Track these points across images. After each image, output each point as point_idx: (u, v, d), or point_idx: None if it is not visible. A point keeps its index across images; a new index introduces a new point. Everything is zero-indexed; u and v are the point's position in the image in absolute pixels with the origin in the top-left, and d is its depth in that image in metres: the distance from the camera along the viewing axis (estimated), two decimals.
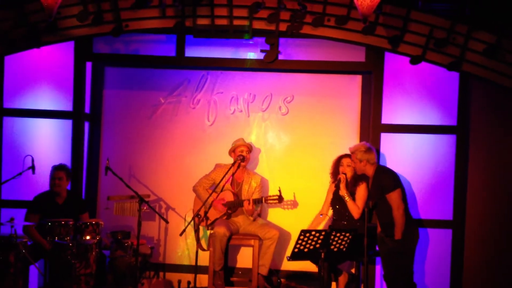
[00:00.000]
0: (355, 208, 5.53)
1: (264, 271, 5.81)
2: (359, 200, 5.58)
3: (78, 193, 6.10)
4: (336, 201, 5.71)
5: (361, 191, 5.60)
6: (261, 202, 5.84)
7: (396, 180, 5.23)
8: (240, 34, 5.77)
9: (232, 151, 6.05)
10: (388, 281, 5.27)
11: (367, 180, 5.55)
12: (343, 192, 5.57)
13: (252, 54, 6.16)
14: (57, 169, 5.77)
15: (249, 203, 5.80)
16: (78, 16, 5.68)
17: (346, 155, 5.73)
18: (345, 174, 5.63)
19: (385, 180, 5.21)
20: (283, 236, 6.18)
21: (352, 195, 5.59)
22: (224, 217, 5.98)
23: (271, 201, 5.82)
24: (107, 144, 6.54)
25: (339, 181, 5.62)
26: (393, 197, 5.13)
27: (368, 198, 5.50)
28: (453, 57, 5.56)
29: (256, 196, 5.95)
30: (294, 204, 6.18)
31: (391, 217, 5.15)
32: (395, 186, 5.17)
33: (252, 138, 6.39)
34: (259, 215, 6.08)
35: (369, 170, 5.34)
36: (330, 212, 5.85)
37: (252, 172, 6.15)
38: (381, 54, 5.97)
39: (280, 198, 5.78)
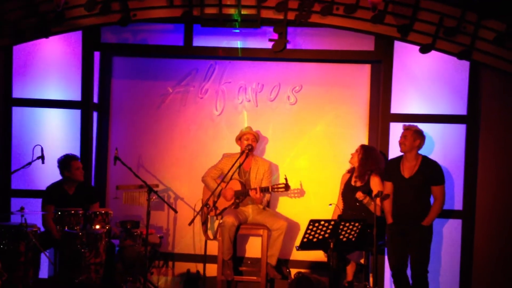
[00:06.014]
0: (378, 207, 5.34)
1: (273, 261, 5.81)
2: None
3: (88, 183, 6.11)
4: (348, 192, 5.66)
5: (377, 182, 5.53)
6: (267, 191, 5.83)
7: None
8: (248, 23, 5.74)
9: (238, 139, 6.05)
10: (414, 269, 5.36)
11: (376, 172, 5.54)
12: (361, 196, 5.47)
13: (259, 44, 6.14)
14: (76, 158, 5.77)
15: (256, 192, 5.80)
16: (86, 6, 5.68)
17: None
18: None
19: (437, 173, 5.34)
20: (292, 226, 6.18)
21: (364, 185, 5.55)
22: (233, 207, 5.99)
23: (277, 190, 5.82)
24: (116, 134, 6.56)
25: (353, 170, 5.63)
26: (441, 190, 5.33)
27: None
28: (463, 46, 5.52)
29: (265, 182, 5.95)
30: (301, 192, 6.16)
31: (420, 205, 5.29)
32: (444, 180, 5.36)
33: (260, 128, 6.38)
34: (268, 203, 6.08)
35: (416, 156, 5.36)
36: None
37: (260, 158, 6.12)
38: (391, 43, 5.93)
39: (286, 186, 5.76)
